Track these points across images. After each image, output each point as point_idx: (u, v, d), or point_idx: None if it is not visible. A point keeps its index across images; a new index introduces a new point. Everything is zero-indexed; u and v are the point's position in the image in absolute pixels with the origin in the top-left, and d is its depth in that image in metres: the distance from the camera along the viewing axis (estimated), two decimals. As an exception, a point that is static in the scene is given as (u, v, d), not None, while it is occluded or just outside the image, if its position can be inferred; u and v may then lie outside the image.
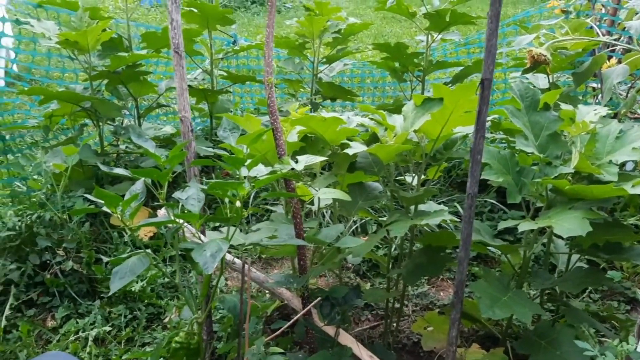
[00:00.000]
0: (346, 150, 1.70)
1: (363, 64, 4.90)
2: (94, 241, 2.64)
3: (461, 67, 3.17)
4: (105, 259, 2.51)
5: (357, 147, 1.74)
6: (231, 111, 3.50)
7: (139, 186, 1.57)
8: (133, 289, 2.37)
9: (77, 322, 2.25)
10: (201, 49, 3.41)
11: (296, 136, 1.93)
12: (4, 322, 2.20)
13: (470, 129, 1.85)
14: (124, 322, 2.29)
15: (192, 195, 1.51)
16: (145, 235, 2.75)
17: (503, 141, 3.13)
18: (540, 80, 2.71)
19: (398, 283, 2.14)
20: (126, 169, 3.43)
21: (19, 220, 2.38)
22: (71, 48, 2.60)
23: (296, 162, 1.59)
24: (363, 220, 2.90)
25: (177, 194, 1.63)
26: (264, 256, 2.77)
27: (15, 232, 2.38)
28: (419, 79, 3.19)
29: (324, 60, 3.36)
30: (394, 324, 2.24)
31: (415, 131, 1.82)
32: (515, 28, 3.97)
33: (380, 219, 2.18)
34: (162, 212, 1.96)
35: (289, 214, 2.05)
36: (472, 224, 1.55)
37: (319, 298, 1.55)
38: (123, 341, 2.20)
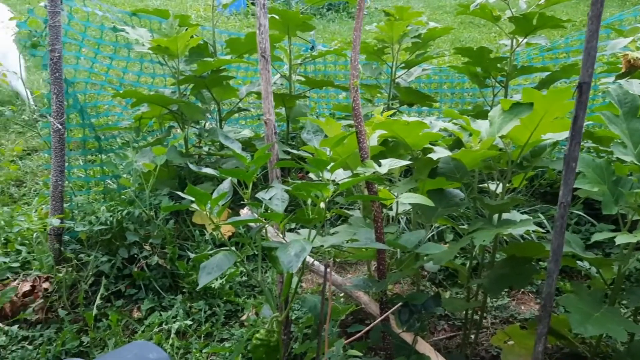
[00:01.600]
0: (430, 155, 1.67)
1: (440, 70, 4.82)
2: (177, 238, 2.75)
3: (547, 73, 3.05)
4: (189, 255, 2.62)
5: (441, 152, 1.71)
6: (308, 115, 3.55)
7: (226, 185, 1.62)
8: (213, 285, 2.45)
9: (160, 315, 2.35)
10: (280, 55, 3.48)
11: (376, 140, 1.93)
12: (94, 311, 2.33)
13: (560, 136, 1.77)
14: (204, 317, 2.36)
15: (276, 196, 1.54)
16: (225, 234, 2.83)
17: (592, 150, 2.98)
18: (635, 86, 2.55)
19: (478, 293, 2.08)
20: (207, 170, 3.53)
21: (111, 216, 2.53)
22: (162, 53, 2.73)
23: (379, 165, 1.58)
24: (440, 228, 2.84)
25: (260, 194, 1.67)
26: (338, 260, 2.78)
27: (107, 227, 2.52)
28: (502, 84, 3.09)
29: (403, 65, 3.33)
30: (472, 336, 2.17)
31: (501, 137, 1.76)
32: (606, 32, 3.76)
33: (459, 227, 2.12)
34: (244, 212, 2.01)
35: (366, 218, 2.05)
36: (563, 234, 1.48)
37: (400, 304, 1.53)
38: (202, 335, 2.28)
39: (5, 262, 2.52)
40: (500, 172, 1.89)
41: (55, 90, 2.47)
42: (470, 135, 1.82)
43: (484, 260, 2.05)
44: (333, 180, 1.55)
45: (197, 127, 3.16)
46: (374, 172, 1.54)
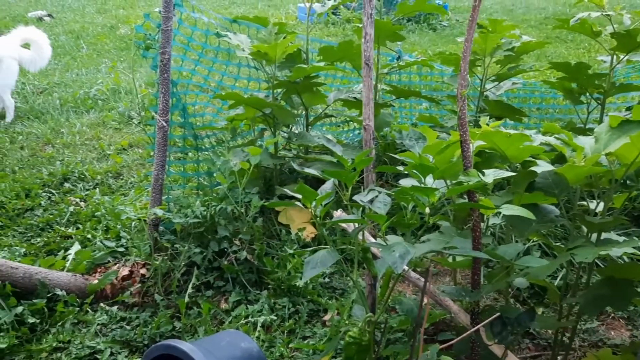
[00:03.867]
0: (533, 168, 1.67)
1: (525, 84, 4.72)
2: (263, 235, 2.86)
3: (648, 91, 2.93)
4: (274, 253, 2.71)
5: (544, 166, 1.70)
6: (393, 124, 3.58)
7: (328, 186, 1.68)
8: (297, 284, 2.52)
9: (247, 308, 2.45)
10: (368, 64, 3.53)
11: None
12: (186, 299, 2.46)
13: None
14: (287, 314, 2.44)
15: (379, 199, 1.58)
16: (308, 236, 2.91)
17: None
18: None
19: (570, 313, 2.03)
20: (290, 173, 3.64)
21: (205, 210, 2.66)
22: (261, 59, 2.87)
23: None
24: (525, 245, 2.79)
25: (358, 197, 1.72)
26: (419, 269, 2.78)
27: (200, 220, 2.66)
28: (598, 101, 3.00)
29: (493, 78, 3.30)
30: (559, 357, 2.11)
31: (606, 155, 1.73)
32: None
33: (554, 244, 2.08)
34: (337, 213, 2.07)
35: (457, 228, 2.05)
36: (675, 257, 1.44)
37: (497, 314, 1.53)
38: (286, 331, 2.35)
39: (110, 247, 2.72)
40: (602, 191, 1.85)
41: (162, 90, 2.65)
42: (573, 151, 1.80)
43: (579, 280, 2.00)
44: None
45: (287, 130, 3.27)
46: (477, 181, 1.55)
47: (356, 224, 1.69)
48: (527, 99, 4.68)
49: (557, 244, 2.51)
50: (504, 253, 1.64)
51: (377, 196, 1.63)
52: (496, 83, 3.38)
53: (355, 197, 1.72)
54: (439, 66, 4.06)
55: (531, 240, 2.75)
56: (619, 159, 1.74)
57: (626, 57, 2.85)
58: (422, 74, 4.63)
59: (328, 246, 1.59)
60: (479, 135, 1.83)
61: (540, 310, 2.48)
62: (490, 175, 1.56)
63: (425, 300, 1.66)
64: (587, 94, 3.02)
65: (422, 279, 1.97)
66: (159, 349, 1.82)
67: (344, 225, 2.02)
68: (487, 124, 1.62)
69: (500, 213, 1.84)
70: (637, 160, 1.69)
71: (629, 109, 3.15)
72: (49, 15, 9.32)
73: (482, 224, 2.10)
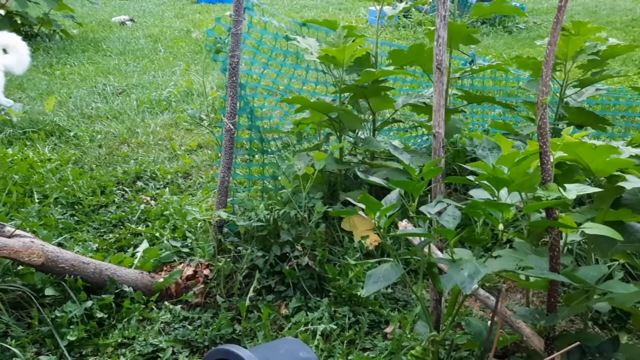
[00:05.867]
0: (622, 184, 1.52)
1: (608, 90, 4.41)
2: (326, 242, 2.81)
3: None
4: (336, 260, 2.67)
5: (634, 182, 1.54)
6: (463, 131, 3.44)
7: (394, 196, 1.61)
8: (358, 293, 2.46)
9: (306, 315, 2.42)
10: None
11: (550, 163, 1.80)
12: (247, 302, 2.46)
13: None
14: (348, 324, 2.38)
15: (447, 212, 1.49)
16: (371, 244, 2.83)
17: None
18: None
19: (658, 344, 1.84)
20: (355, 179, 3.58)
21: (268, 214, 2.65)
22: (329, 62, 2.83)
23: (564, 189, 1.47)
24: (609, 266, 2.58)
25: (425, 208, 1.64)
26: (487, 284, 2.64)
27: (263, 224, 2.65)
28: (695, 110, 2.74)
29: (575, 83, 3.09)
30: (644, 390, 1.93)
31: None
32: None
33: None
34: (403, 224, 1.99)
35: (531, 243, 1.92)
36: None
37: (577, 343, 1.40)
38: (345, 342, 2.29)
39: (176, 246, 2.77)
40: (701, 210, 1.66)
41: (230, 93, 2.67)
42: (668, 165, 1.63)
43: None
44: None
45: (352, 136, 3.22)
46: (557, 197, 1.43)
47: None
48: (611, 106, 4.38)
49: (645, 265, 2.31)
50: (585, 276, 1.51)
51: (445, 208, 1.54)
52: (578, 89, 3.16)
53: (422, 208, 1.64)
54: (515, 70, 3.87)
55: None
56: None
57: None
58: (496, 79, 4.43)
59: (391, 259, 1.52)
60: (561, 146, 1.70)
61: (623, 338, 2.28)
62: (573, 190, 1.44)
63: (496, 320, 1.55)
64: (683, 102, 2.76)
65: (491, 297, 1.86)
66: (219, 353, 1.82)
67: (411, 238, 1.94)
68: (571, 134, 1.49)
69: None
70: None
71: None
72: (131, 20, 9.78)
73: (560, 241, 1.96)
